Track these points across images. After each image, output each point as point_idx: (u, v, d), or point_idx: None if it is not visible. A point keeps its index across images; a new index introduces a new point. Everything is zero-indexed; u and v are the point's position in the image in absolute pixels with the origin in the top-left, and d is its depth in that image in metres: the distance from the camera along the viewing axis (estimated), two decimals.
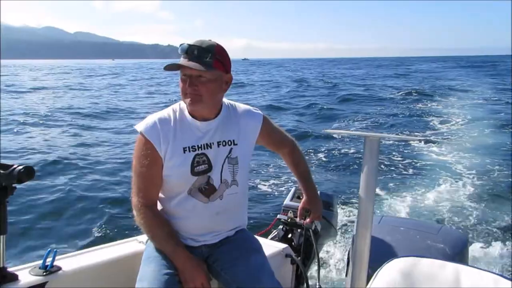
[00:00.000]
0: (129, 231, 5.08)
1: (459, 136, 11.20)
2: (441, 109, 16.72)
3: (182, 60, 1.57)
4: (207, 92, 1.58)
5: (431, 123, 13.76)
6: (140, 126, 1.65)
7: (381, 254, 1.21)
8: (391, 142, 9.67)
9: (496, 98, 19.96)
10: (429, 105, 18.26)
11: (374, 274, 1.18)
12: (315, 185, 2.05)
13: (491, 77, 34.80)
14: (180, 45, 1.60)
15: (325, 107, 17.75)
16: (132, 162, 1.67)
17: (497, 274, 1.08)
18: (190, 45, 1.57)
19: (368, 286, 1.16)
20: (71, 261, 1.80)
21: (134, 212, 1.66)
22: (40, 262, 1.70)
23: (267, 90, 28.04)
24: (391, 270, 1.15)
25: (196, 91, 1.57)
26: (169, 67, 1.58)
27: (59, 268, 1.71)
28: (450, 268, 1.11)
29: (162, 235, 1.63)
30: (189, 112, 1.67)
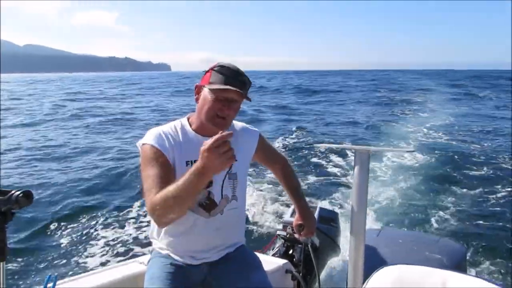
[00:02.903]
0: (130, 253, 5.07)
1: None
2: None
3: (225, 83, 1.58)
4: (233, 116, 1.67)
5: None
6: (145, 139, 1.64)
7: (378, 265, 1.22)
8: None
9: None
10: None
11: (365, 283, 1.19)
12: (305, 200, 2.05)
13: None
14: (221, 66, 1.61)
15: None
16: (141, 173, 1.59)
17: (486, 280, 1.09)
18: (237, 71, 1.61)
19: None
20: (72, 286, 1.81)
21: (153, 217, 1.50)
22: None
23: None
24: (380, 278, 1.16)
25: (228, 115, 1.62)
26: (222, 90, 1.58)
27: None
28: (438, 274, 1.12)
29: (173, 190, 1.40)
30: (192, 129, 1.69)
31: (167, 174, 1.55)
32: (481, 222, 5.82)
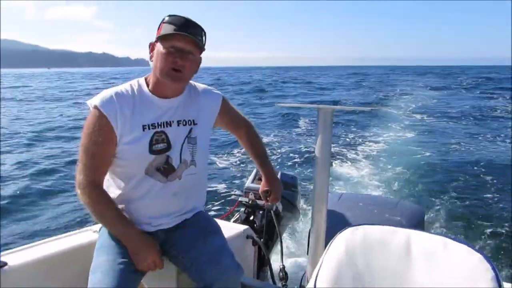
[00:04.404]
0: (83, 222, 4.90)
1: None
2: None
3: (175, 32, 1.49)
4: (190, 70, 1.57)
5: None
6: (95, 100, 1.54)
7: (340, 227, 1.21)
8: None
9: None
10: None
11: (329, 244, 1.17)
12: (272, 166, 2.00)
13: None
14: (170, 15, 1.53)
15: None
16: (81, 137, 1.55)
17: (447, 237, 1.09)
18: (186, 19, 1.51)
19: (322, 255, 1.15)
20: (18, 256, 1.70)
21: (78, 191, 1.55)
22: None
23: None
24: (344, 238, 1.15)
25: (183, 66, 1.52)
26: (166, 36, 1.50)
27: (5, 264, 1.61)
28: (401, 233, 1.12)
29: (110, 214, 1.54)
30: (149, 89, 1.60)
31: (104, 154, 1.54)
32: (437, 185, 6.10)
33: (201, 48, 1.57)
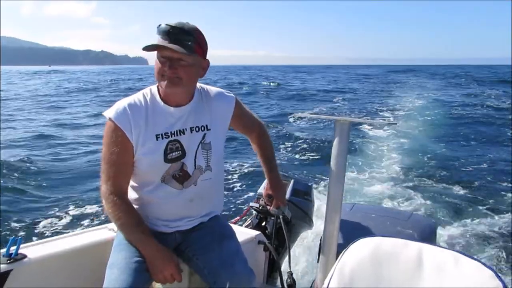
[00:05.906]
0: (101, 219, 5.00)
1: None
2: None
3: (161, 41, 1.49)
4: (187, 76, 1.55)
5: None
6: (110, 113, 1.59)
7: (352, 238, 1.23)
8: None
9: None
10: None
11: (341, 254, 1.19)
12: (278, 171, 2.01)
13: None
14: (158, 26, 1.53)
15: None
16: (101, 149, 1.61)
17: (458, 252, 1.11)
18: (171, 26, 1.50)
19: (334, 265, 1.17)
20: (37, 249, 1.75)
21: (103, 201, 1.60)
22: (4, 250, 1.64)
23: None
24: (356, 249, 1.17)
25: (176, 74, 1.52)
26: (149, 48, 1.50)
27: (24, 256, 1.66)
28: (413, 246, 1.14)
29: (130, 224, 1.57)
30: (161, 98, 1.62)
31: (124, 163, 1.58)
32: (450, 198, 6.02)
33: (192, 52, 1.51)
